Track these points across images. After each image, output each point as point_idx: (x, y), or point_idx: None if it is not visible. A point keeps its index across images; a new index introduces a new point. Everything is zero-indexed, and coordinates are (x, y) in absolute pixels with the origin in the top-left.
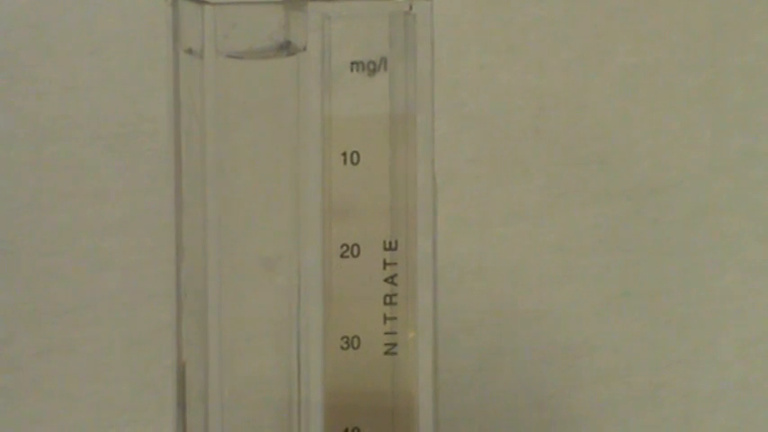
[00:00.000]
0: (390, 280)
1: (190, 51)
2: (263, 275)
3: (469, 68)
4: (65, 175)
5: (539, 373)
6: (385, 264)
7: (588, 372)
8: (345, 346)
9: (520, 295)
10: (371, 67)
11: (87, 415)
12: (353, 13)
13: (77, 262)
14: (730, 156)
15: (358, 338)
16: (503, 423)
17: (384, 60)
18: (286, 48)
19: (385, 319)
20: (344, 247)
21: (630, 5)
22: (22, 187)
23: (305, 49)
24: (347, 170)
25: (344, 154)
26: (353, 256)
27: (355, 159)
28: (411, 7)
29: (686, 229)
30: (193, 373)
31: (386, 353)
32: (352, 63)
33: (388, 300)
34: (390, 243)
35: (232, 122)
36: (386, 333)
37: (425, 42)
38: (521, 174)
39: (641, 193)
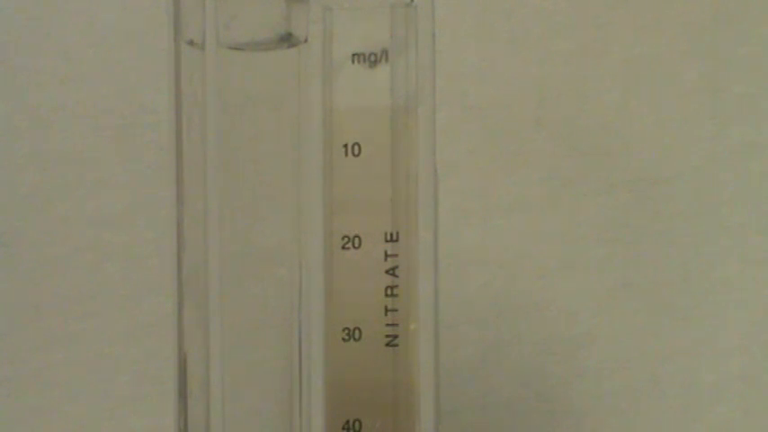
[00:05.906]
0: (391, 271)
1: (191, 43)
2: (265, 267)
3: (470, 60)
4: (65, 167)
5: (540, 365)
6: (386, 255)
7: (589, 363)
8: (347, 337)
9: (521, 287)
10: (373, 58)
11: (88, 406)
12: (355, 4)
13: (78, 254)
14: (731, 147)
15: (359, 330)
16: (504, 414)
17: (385, 52)
18: (287, 39)
19: (386, 310)
20: (346, 239)
21: None
22: (23, 179)
23: (306, 40)
24: (348, 162)
25: (346, 146)
26: (355, 248)
27: (356, 151)
28: None
29: (687, 221)
30: (195, 365)
31: (387, 344)
32: (354, 55)
33: (389, 291)
34: (391, 235)
35: (233, 114)
36: (387, 325)
37: (426, 34)
38: (522, 165)
39: (642, 185)
